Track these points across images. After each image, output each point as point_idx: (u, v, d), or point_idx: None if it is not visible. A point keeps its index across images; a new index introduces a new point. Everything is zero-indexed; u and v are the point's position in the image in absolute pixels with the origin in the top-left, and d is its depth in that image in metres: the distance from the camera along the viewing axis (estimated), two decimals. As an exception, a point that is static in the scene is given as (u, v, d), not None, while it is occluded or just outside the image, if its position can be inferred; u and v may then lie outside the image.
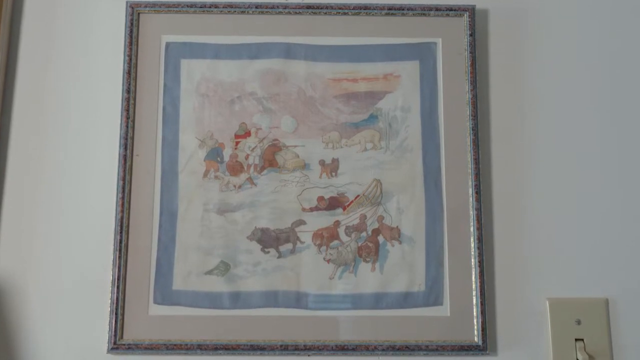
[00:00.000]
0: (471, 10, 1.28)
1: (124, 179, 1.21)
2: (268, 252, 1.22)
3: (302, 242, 1.22)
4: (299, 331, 1.19)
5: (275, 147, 1.25)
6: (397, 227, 1.23)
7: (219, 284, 1.20)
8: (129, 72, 1.25)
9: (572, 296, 1.22)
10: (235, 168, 1.24)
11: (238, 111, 1.26)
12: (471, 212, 1.22)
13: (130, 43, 1.26)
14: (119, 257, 1.19)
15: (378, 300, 1.20)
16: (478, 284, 1.19)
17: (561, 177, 1.26)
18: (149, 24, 1.27)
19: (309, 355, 1.19)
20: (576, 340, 1.19)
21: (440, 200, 1.23)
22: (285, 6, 1.27)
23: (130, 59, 1.25)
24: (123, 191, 1.21)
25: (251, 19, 1.28)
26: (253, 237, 1.22)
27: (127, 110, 1.24)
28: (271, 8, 1.27)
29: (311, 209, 1.23)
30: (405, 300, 1.21)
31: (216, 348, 1.17)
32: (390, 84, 1.27)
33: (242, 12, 1.28)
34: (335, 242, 1.23)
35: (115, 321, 1.17)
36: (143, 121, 1.24)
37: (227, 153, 1.25)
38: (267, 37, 1.28)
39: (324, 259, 1.22)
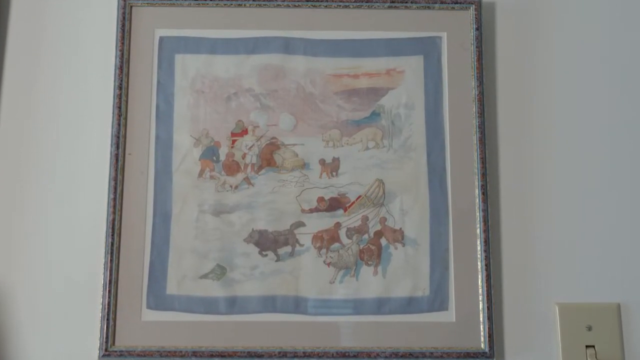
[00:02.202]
0: (477, 4, 1.25)
1: (115, 179, 1.19)
2: (266, 255, 1.19)
3: (301, 245, 1.20)
4: (298, 337, 1.17)
5: (273, 146, 1.23)
6: (401, 229, 1.20)
7: (214, 289, 1.18)
8: (121, 68, 1.22)
9: (583, 301, 1.20)
10: (232, 167, 1.22)
11: (234, 108, 1.23)
12: (477, 214, 1.19)
13: (123, 37, 1.23)
14: (111, 261, 1.17)
15: (380, 306, 1.18)
16: (485, 288, 1.17)
17: (571, 177, 1.24)
18: (142, 18, 1.25)
19: (308, 363, 1.17)
20: (587, 347, 1.17)
21: (445, 201, 1.21)
22: (284, -1, 1.25)
23: (123, 54, 1.23)
24: (115, 192, 1.19)
25: (248, 12, 1.25)
26: (250, 239, 1.19)
27: (119, 108, 1.21)
28: (269, 1, 1.25)
29: (311, 210, 1.21)
30: (409, 305, 1.18)
31: (212, 355, 1.15)
32: (393, 79, 1.24)
33: (239, 5, 1.25)
34: (336, 244, 1.20)
35: (107, 327, 1.15)
36: (136, 119, 1.22)
37: (223, 152, 1.22)
38: (265, 31, 1.25)
39: (324, 262, 1.19)
